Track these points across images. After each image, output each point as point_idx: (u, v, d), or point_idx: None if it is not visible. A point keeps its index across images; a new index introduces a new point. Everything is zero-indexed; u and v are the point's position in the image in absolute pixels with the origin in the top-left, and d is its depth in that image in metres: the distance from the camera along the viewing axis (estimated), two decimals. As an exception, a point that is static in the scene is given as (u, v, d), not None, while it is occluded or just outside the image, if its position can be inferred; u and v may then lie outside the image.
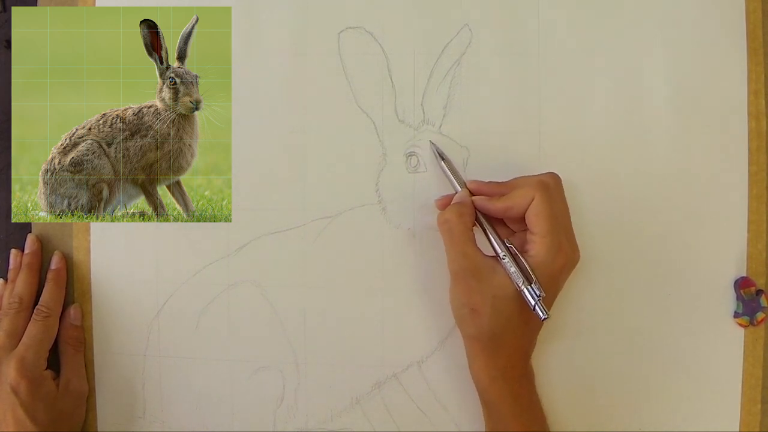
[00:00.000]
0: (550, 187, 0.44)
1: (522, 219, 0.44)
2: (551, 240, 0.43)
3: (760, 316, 0.48)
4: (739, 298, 0.48)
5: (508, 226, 0.46)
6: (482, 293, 0.43)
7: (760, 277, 0.49)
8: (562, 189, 0.45)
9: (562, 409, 0.49)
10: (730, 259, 0.49)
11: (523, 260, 0.43)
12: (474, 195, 0.46)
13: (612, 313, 0.49)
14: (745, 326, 0.49)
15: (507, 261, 0.43)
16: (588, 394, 0.49)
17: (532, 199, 0.43)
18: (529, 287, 0.42)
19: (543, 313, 0.42)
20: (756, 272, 0.49)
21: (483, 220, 0.45)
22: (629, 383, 0.49)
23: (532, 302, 0.42)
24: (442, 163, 0.48)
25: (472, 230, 0.45)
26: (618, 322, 0.49)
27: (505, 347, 0.44)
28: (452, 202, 0.46)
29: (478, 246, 0.44)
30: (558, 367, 0.49)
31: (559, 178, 0.45)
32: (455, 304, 0.45)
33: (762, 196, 0.48)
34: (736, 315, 0.49)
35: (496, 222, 0.46)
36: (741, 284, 0.48)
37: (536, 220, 0.43)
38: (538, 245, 0.43)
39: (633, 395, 0.49)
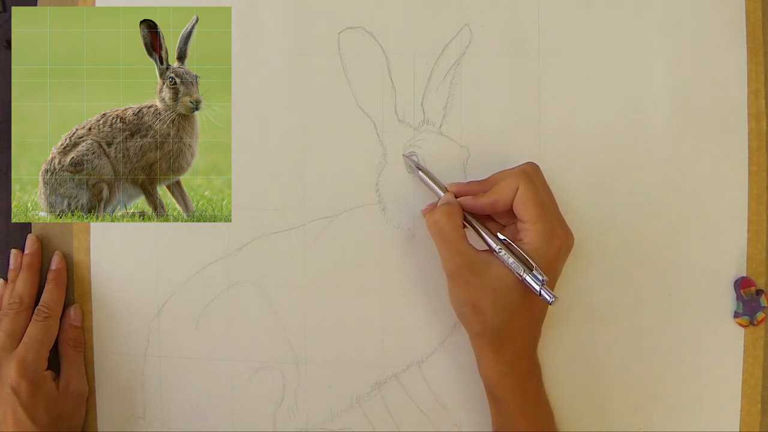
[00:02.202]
0: (532, 175, 0.44)
1: (510, 212, 0.44)
2: (543, 225, 0.43)
3: (760, 316, 0.48)
4: (739, 298, 0.48)
5: (496, 221, 0.46)
6: (482, 288, 0.43)
7: (760, 277, 0.49)
8: (543, 176, 0.45)
9: (562, 410, 0.49)
10: (730, 259, 0.49)
11: (519, 249, 0.43)
12: (457, 197, 0.46)
13: (612, 314, 0.49)
14: (745, 326, 0.49)
15: (503, 253, 0.43)
16: (587, 394, 0.49)
17: (517, 189, 0.43)
18: (531, 274, 0.42)
19: (550, 297, 0.42)
20: (756, 272, 0.49)
21: (471, 218, 0.45)
22: (629, 383, 0.49)
23: (537, 288, 0.42)
24: (420, 173, 0.48)
25: (462, 228, 0.45)
26: (618, 323, 0.49)
27: (512, 339, 0.44)
28: (439, 204, 0.46)
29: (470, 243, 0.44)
30: (558, 369, 0.49)
31: (538, 166, 0.45)
32: (456, 304, 0.45)
33: (762, 196, 0.49)
34: (736, 315, 0.49)
35: (484, 219, 0.46)
36: (741, 284, 0.48)
37: (524, 208, 0.43)
38: (531, 233, 0.43)
39: (633, 395, 0.49)
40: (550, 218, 0.43)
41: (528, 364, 0.45)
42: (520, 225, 0.44)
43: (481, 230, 0.45)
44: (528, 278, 0.42)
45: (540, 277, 0.42)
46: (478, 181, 0.46)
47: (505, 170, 0.45)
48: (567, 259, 0.45)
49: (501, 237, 0.44)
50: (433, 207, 0.47)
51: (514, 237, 0.44)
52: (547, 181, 0.45)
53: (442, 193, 0.47)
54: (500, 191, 0.44)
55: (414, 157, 0.49)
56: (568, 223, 0.45)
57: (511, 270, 0.43)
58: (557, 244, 0.43)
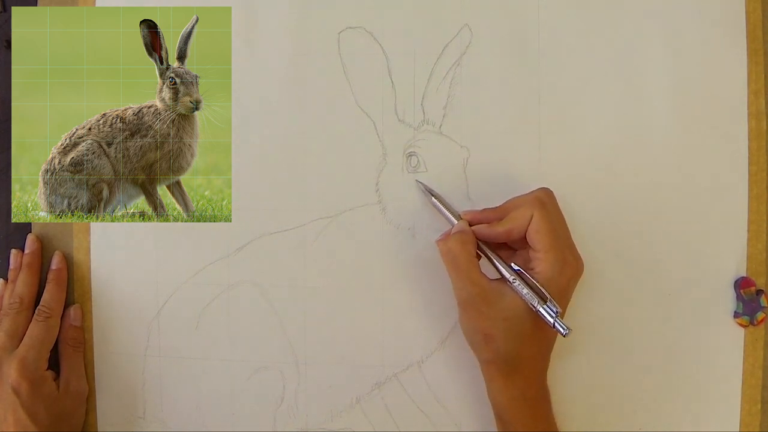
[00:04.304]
0: (546, 202, 0.44)
1: (523, 238, 0.44)
2: (555, 255, 0.43)
3: (760, 316, 0.48)
4: (739, 298, 0.48)
5: (508, 246, 0.46)
6: (493, 317, 0.43)
7: (760, 277, 0.49)
8: (556, 202, 0.45)
9: (561, 408, 0.49)
10: (730, 259, 0.49)
11: (532, 279, 0.43)
12: (471, 225, 0.46)
13: (612, 314, 0.49)
14: (745, 326, 0.49)
15: (518, 284, 0.43)
16: (587, 393, 0.49)
17: (531, 218, 0.43)
18: (544, 306, 0.42)
19: (564, 329, 0.42)
20: (756, 272, 0.49)
21: (485, 247, 0.45)
22: (629, 383, 0.49)
23: (551, 320, 0.42)
24: (433, 199, 0.48)
25: (475, 257, 0.45)
26: (618, 323, 0.49)
27: (522, 368, 0.44)
28: (453, 232, 0.46)
29: (483, 271, 0.44)
30: (557, 367, 0.49)
31: (551, 191, 0.45)
32: (467, 331, 0.45)
33: (762, 196, 0.49)
34: (736, 315, 0.49)
35: (496, 245, 0.46)
36: (741, 284, 0.48)
37: (538, 237, 0.43)
38: (543, 262, 0.43)
39: (633, 395, 0.49)
40: (562, 247, 0.43)
41: (538, 391, 0.45)
42: (533, 253, 0.44)
43: (495, 260, 0.45)
44: (542, 310, 0.42)
45: (554, 309, 0.42)
46: (492, 208, 0.46)
47: (518, 197, 0.45)
48: (577, 285, 0.45)
49: (515, 267, 0.44)
50: (447, 235, 0.46)
51: (526, 264, 0.44)
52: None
53: (455, 221, 0.46)
54: (515, 220, 0.44)
55: (414, 157, 0.49)
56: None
57: (524, 300, 0.43)
58: (568, 273, 0.43)
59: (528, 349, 0.43)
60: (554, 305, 0.42)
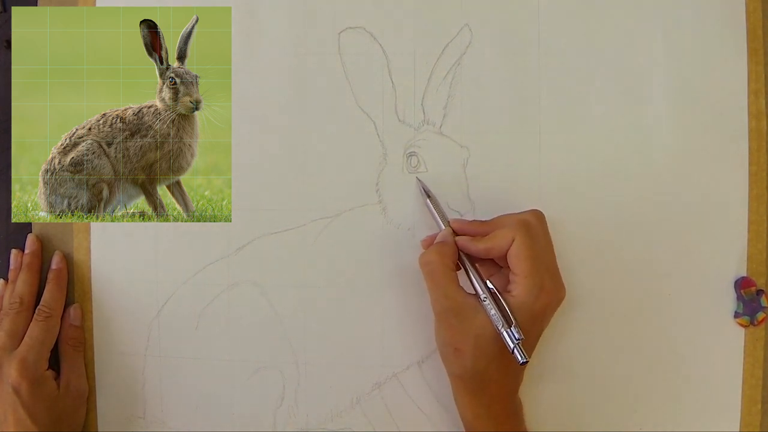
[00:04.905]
0: (532, 226, 0.44)
1: (505, 258, 0.44)
2: (532, 281, 0.42)
3: (760, 316, 0.48)
4: (739, 298, 0.48)
5: (494, 261, 0.46)
6: (465, 333, 0.43)
7: (760, 277, 0.49)
8: (546, 226, 0.45)
9: (562, 407, 0.49)
10: (730, 259, 0.49)
11: (503, 302, 0.43)
12: (457, 234, 0.46)
13: (612, 313, 0.49)
14: (746, 326, 0.49)
15: (488, 303, 0.43)
16: (587, 393, 0.49)
17: (513, 240, 0.43)
18: (508, 330, 0.42)
19: (522, 357, 0.42)
20: (756, 272, 0.49)
21: (465, 260, 0.45)
22: (629, 383, 0.49)
23: (511, 345, 0.42)
24: (428, 200, 0.48)
25: (454, 270, 0.44)
26: (618, 322, 0.49)
27: (489, 386, 0.43)
28: (435, 242, 0.46)
29: (461, 284, 0.44)
30: (558, 365, 0.49)
31: (542, 214, 0.45)
32: (439, 344, 0.45)
33: (762, 196, 0.48)
34: (737, 315, 0.49)
35: (481, 259, 0.45)
36: (741, 284, 0.48)
37: (517, 261, 0.43)
38: (519, 286, 0.43)
39: (633, 395, 0.49)
40: (541, 273, 0.43)
41: (505, 408, 0.45)
42: (511, 275, 0.43)
43: (471, 275, 0.44)
44: (505, 333, 0.42)
45: (516, 336, 0.42)
46: (480, 221, 0.46)
47: (506, 216, 0.45)
48: (556, 311, 0.44)
49: (489, 286, 0.44)
50: (431, 240, 0.47)
51: (505, 285, 0.44)
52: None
53: (443, 226, 0.46)
54: (496, 239, 0.43)
55: (414, 157, 0.49)
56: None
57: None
58: (545, 300, 0.43)
59: (496, 368, 0.43)
60: (518, 332, 0.41)
